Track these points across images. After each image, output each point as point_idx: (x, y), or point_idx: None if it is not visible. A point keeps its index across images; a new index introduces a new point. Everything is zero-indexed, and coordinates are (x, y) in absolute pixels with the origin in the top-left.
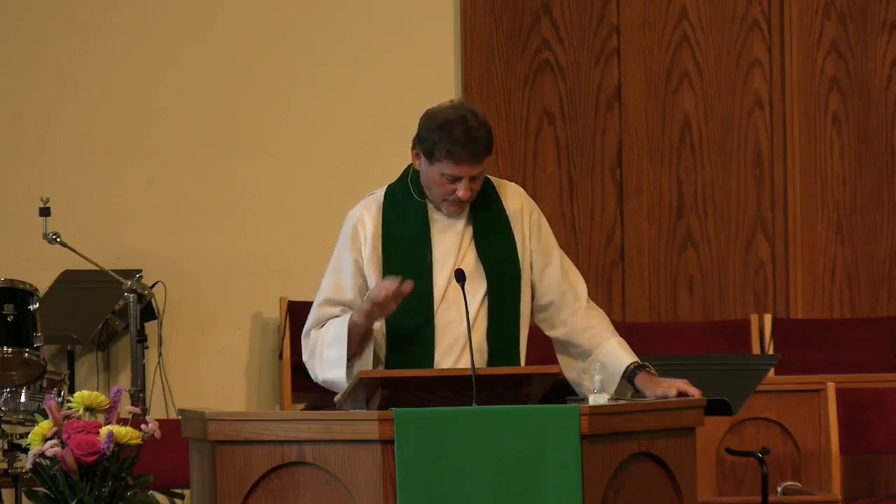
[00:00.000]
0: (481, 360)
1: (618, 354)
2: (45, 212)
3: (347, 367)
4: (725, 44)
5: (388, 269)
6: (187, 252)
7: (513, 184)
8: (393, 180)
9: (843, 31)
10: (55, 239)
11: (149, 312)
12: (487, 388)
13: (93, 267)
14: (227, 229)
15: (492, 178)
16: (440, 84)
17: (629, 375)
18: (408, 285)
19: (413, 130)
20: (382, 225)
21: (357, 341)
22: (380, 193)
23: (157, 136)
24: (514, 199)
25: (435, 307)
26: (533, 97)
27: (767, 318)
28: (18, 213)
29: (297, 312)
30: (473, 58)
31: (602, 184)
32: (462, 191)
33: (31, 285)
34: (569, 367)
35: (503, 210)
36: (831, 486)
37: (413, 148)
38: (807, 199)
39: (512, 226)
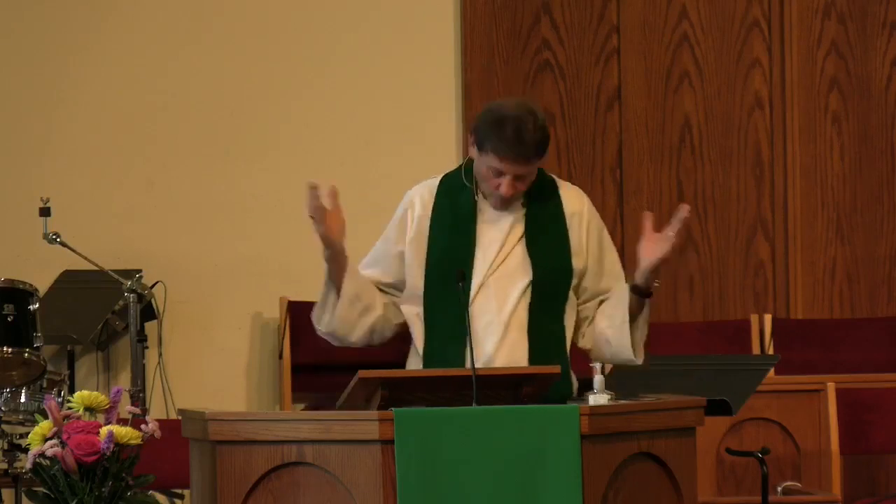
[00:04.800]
0: (522, 355)
1: (618, 294)
2: (45, 212)
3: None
4: (725, 44)
5: (431, 250)
6: (187, 252)
7: (577, 188)
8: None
9: (843, 31)
10: (55, 239)
11: (149, 312)
12: (487, 387)
13: (93, 267)
14: (227, 229)
15: (557, 178)
16: (440, 84)
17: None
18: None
19: (413, 130)
20: (433, 207)
21: (334, 271)
22: (436, 179)
23: (157, 136)
24: (576, 203)
25: (472, 295)
26: (533, 97)
27: (767, 318)
28: (18, 213)
29: (298, 312)
30: (473, 58)
31: (602, 184)
32: (504, 187)
33: (31, 285)
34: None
35: (561, 210)
36: (831, 486)
37: (470, 135)
38: (807, 199)
39: (568, 227)
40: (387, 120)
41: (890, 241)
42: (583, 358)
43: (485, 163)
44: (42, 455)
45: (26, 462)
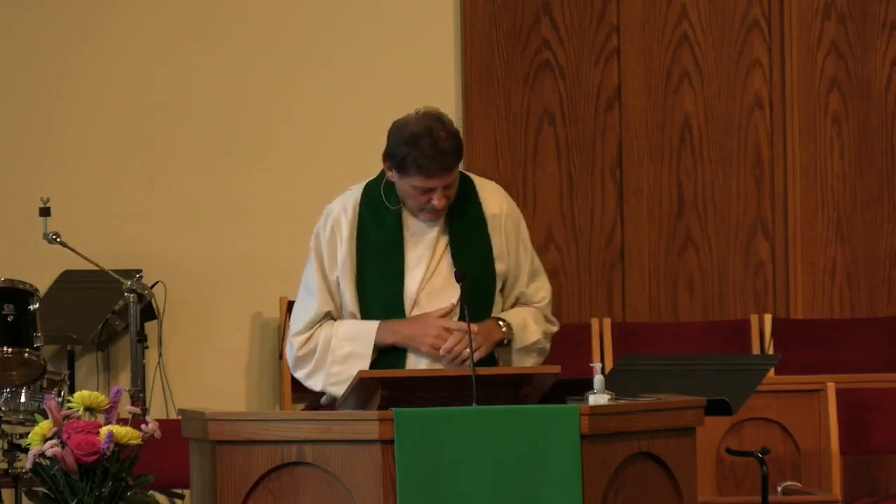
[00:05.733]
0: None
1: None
2: (45, 212)
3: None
4: (725, 44)
5: (361, 273)
6: (187, 252)
7: (493, 184)
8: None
9: (843, 31)
10: (55, 239)
11: (149, 312)
12: (487, 388)
13: (93, 267)
14: (227, 229)
15: (473, 176)
16: (440, 84)
17: None
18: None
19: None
20: (357, 228)
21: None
22: (357, 191)
23: (158, 136)
24: (494, 203)
25: (406, 313)
26: (533, 97)
27: (767, 318)
28: (18, 213)
29: None
30: (473, 58)
31: (602, 184)
32: (437, 200)
33: (31, 285)
34: None
35: (482, 214)
36: (831, 486)
37: (384, 160)
38: (807, 199)
39: (489, 230)
40: (387, 120)
41: (890, 241)
42: (581, 358)
43: (409, 183)
44: (42, 455)
45: (26, 462)
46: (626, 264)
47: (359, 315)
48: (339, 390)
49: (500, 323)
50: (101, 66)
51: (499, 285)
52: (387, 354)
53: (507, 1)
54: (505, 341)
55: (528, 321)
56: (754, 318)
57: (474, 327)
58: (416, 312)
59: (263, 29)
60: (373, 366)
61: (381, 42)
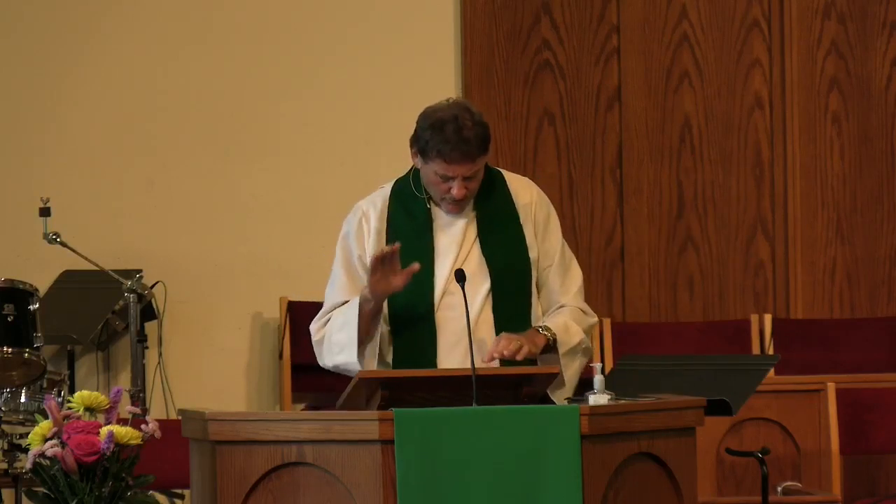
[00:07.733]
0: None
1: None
2: (45, 212)
3: (359, 350)
4: (725, 44)
5: None
6: (187, 252)
7: (526, 178)
8: (396, 178)
9: (843, 31)
10: (55, 239)
11: (149, 312)
12: (487, 388)
13: (93, 267)
14: (227, 229)
15: (505, 171)
16: (440, 84)
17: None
18: (395, 249)
19: (413, 131)
20: (387, 219)
21: (367, 320)
22: (387, 188)
23: (157, 136)
24: (524, 193)
25: (435, 303)
26: (533, 97)
27: (767, 318)
28: (18, 213)
29: (297, 312)
30: (473, 58)
31: (602, 184)
32: (456, 190)
33: (31, 285)
34: None
35: (512, 204)
36: (831, 486)
37: (411, 146)
38: (807, 199)
39: (521, 220)
40: (387, 120)
41: (890, 241)
42: None
43: (431, 169)
44: (42, 455)
45: (26, 462)
46: (626, 264)
47: (386, 304)
48: (344, 356)
49: (539, 329)
50: (101, 66)
51: (534, 275)
52: (414, 356)
53: (507, 1)
54: (550, 341)
55: (568, 323)
56: (754, 318)
57: (506, 341)
58: (445, 301)
59: (263, 29)
60: (401, 365)
61: (381, 42)
